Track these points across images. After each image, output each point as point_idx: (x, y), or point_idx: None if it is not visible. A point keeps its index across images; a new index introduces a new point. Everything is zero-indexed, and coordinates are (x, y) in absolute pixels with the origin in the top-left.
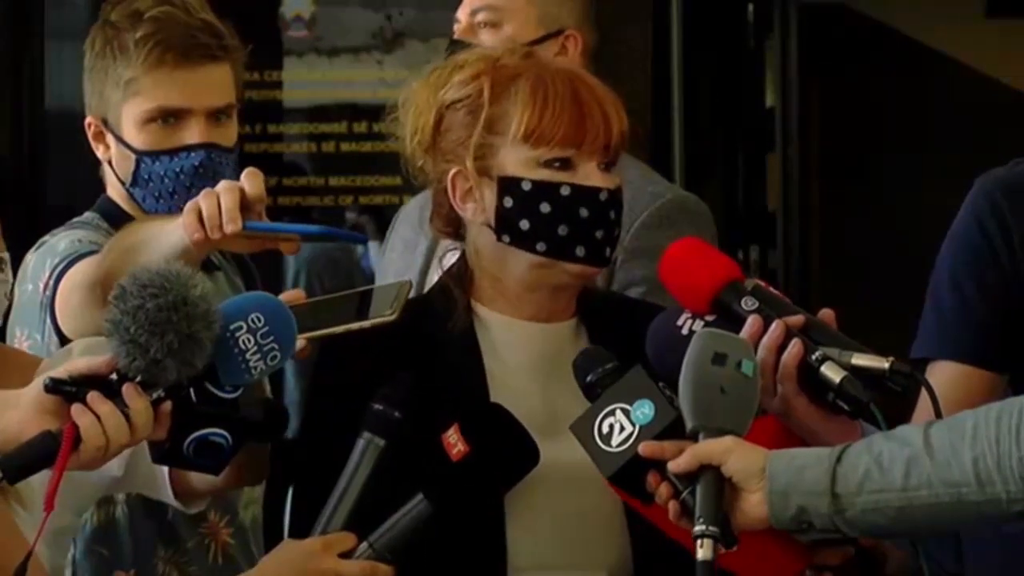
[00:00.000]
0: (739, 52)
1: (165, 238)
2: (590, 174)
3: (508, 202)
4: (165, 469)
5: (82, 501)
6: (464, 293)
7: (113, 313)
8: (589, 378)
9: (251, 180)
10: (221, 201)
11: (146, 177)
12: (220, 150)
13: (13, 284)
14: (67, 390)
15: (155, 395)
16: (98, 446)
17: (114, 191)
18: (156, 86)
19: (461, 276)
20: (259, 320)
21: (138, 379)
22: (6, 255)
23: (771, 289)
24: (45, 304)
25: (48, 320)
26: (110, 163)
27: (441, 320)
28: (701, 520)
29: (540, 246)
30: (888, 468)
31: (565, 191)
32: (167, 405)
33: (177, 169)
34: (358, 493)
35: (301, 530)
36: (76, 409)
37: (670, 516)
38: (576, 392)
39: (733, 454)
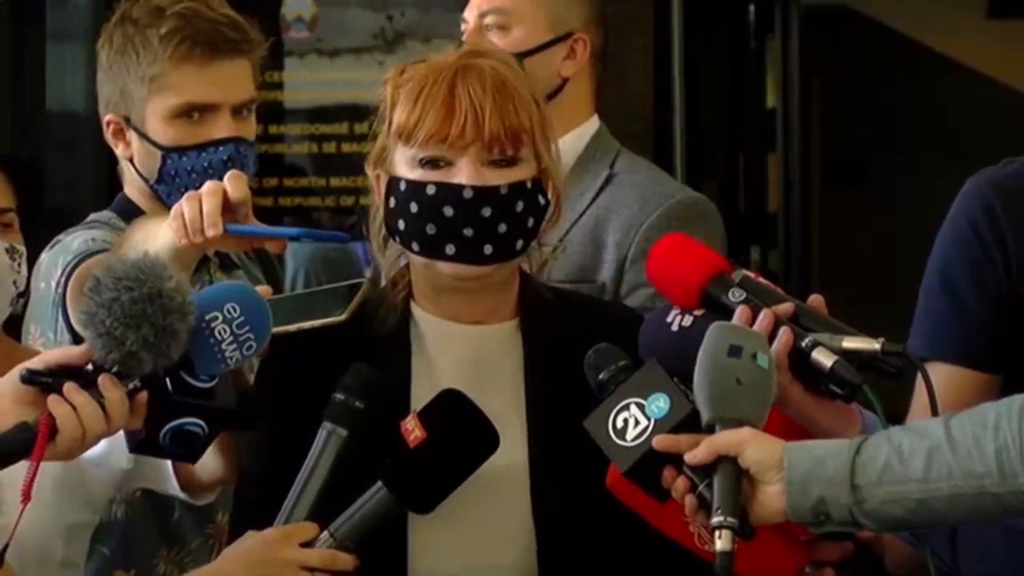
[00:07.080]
0: (740, 53)
1: (158, 238)
2: (467, 172)
3: (392, 203)
4: (169, 461)
5: (95, 496)
6: (402, 294)
7: (88, 305)
8: (601, 376)
9: (234, 183)
10: (203, 205)
11: (172, 173)
12: (246, 143)
13: (28, 277)
14: (43, 381)
15: (131, 385)
16: (74, 436)
17: (133, 188)
18: (184, 82)
19: (402, 277)
20: (235, 310)
21: (114, 369)
22: (22, 248)
23: (760, 279)
24: (57, 302)
25: (60, 318)
26: (131, 160)
27: (378, 321)
28: (719, 511)
29: (414, 246)
30: (908, 459)
31: (431, 190)
32: (143, 395)
33: (205, 164)
34: (320, 483)
35: (241, 527)
36: (52, 400)
37: (686, 511)
38: (505, 395)
39: (751, 445)
